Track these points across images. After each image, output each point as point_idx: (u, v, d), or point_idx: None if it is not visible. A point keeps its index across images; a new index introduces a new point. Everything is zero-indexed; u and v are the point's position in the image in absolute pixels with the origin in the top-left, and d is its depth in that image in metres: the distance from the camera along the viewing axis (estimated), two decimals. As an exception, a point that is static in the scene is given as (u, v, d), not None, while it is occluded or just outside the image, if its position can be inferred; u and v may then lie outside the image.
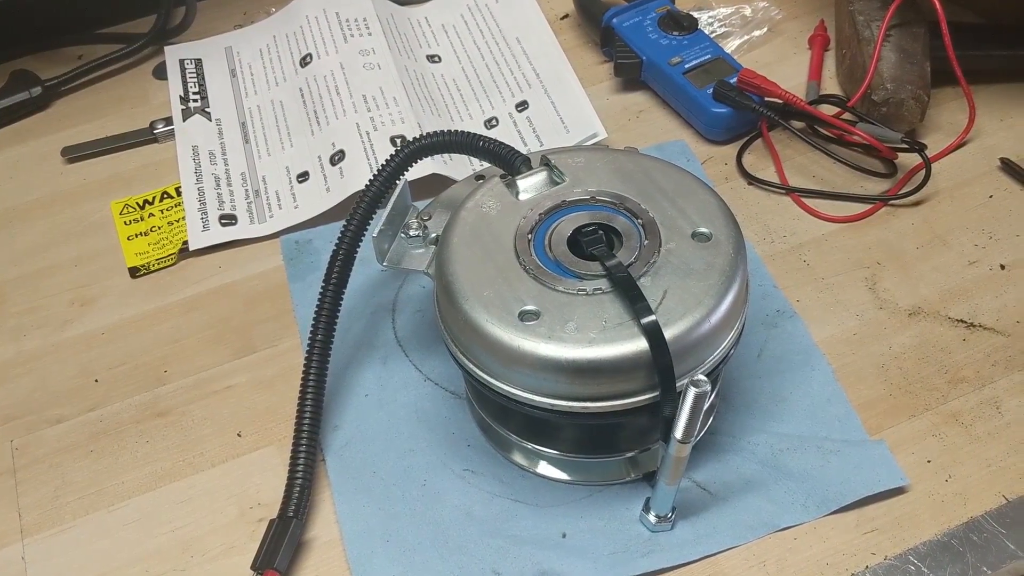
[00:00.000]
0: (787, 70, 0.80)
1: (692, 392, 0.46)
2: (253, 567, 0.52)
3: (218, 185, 0.73)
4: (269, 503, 0.56)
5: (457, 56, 0.82)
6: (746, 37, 0.82)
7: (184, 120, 0.78)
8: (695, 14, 0.81)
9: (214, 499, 0.56)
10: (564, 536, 0.53)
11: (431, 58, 0.82)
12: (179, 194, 0.73)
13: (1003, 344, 0.61)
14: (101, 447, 0.59)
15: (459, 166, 0.71)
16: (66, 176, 0.76)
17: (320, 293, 0.57)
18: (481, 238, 0.53)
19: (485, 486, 0.56)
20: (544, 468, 0.56)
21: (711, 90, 0.74)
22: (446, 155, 0.69)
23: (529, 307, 0.49)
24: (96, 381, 0.62)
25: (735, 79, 0.74)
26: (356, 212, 0.57)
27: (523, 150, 0.70)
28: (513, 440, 0.56)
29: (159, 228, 0.71)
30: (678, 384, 0.48)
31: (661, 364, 0.47)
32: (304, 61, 0.79)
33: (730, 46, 0.81)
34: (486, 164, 0.60)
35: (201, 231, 0.70)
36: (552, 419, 0.51)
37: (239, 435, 0.59)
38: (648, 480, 0.55)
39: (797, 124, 0.73)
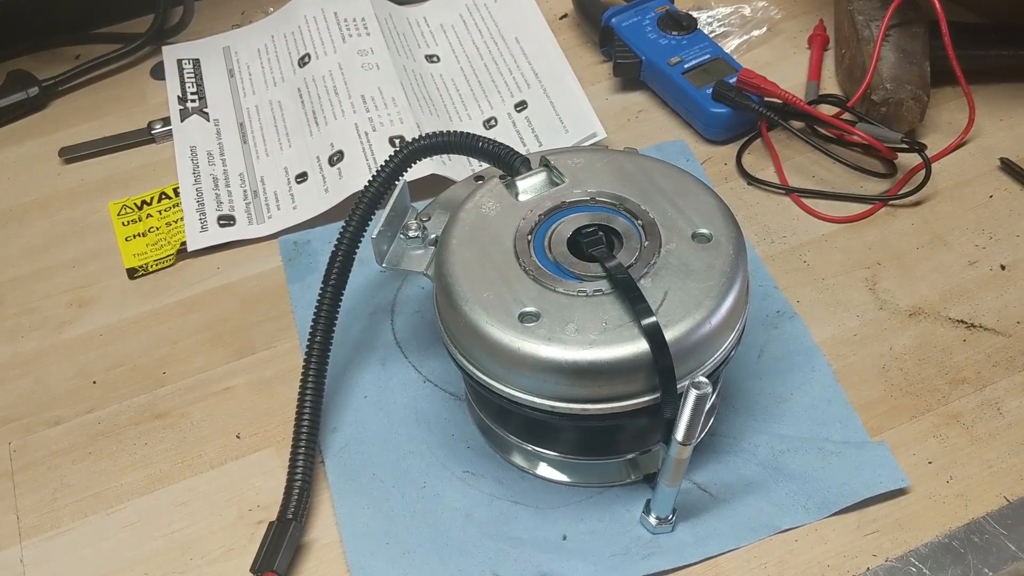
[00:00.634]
0: (786, 70, 0.80)
1: (693, 394, 0.46)
2: (252, 570, 0.51)
3: (216, 186, 0.73)
4: (268, 505, 0.55)
5: (456, 56, 0.82)
6: (745, 37, 0.82)
7: (182, 120, 0.77)
8: (694, 14, 0.81)
9: (213, 501, 0.56)
10: (564, 538, 0.53)
11: (430, 58, 0.82)
12: (177, 195, 0.72)
13: (1003, 345, 0.61)
14: (99, 449, 0.59)
15: (458, 167, 0.70)
16: (63, 177, 0.76)
17: (319, 294, 0.57)
18: (480, 239, 0.53)
19: (485, 488, 0.56)
20: (544, 470, 0.56)
21: (710, 90, 0.74)
22: (445, 156, 0.69)
23: (529, 309, 0.49)
24: (94, 383, 0.62)
25: (734, 79, 0.74)
26: (355, 213, 0.57)
27: (522, 150, 0.70)
28: (513, 442, 0.56)
29: (157, 229, 0.71)
30: (679, 386, 0.48)
31: (662, 366, 0.47)
32: (302, 61, 0.79)
33: (729, 46, 0.81)
34: (485, 165, 0.60)
35: (199, 232, 0.69)
36: (552, 421, 0.51)
37: (238, 437, 0.59)
38: (648, 482, 0.55)
39: (796, 124, 0.73)
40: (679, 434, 0.47)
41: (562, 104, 0.76)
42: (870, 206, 0.69)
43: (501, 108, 0.77)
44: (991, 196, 0.70)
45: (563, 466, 0.56)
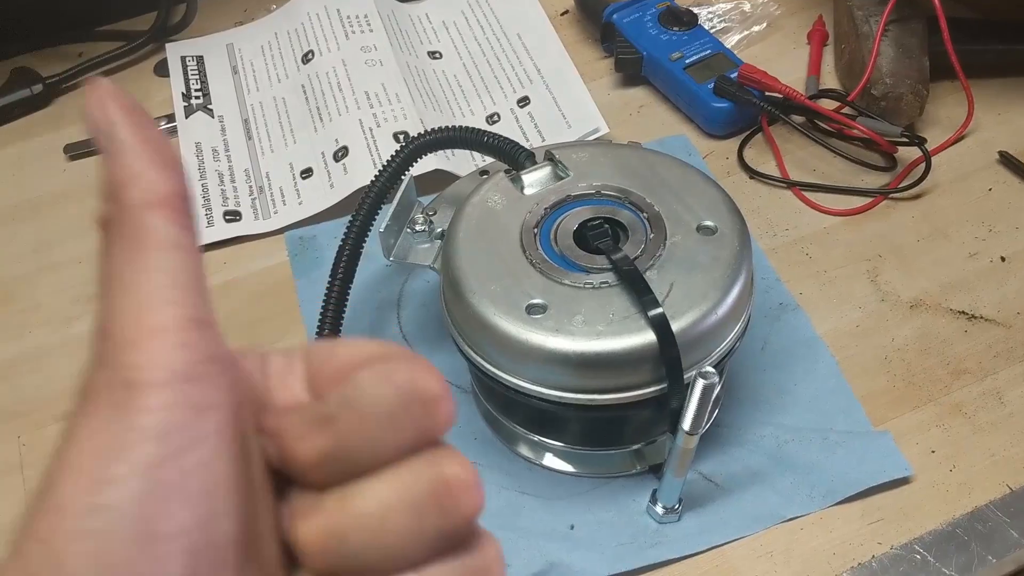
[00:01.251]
0: (786, 65, 0.80)
1: (700, 384, 0.46)
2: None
3: (222, 182, 0.73)
4: (277, 498, 0.56)
5: (458, 52, 0.82)
6: (745, 32, 0.83)
7: (187, 117, 0.78)
8: (695, 10, 0.81)
9: (223, 494, 0.56)
10: (572, 528, 0.54)
11: (432, 54, 0.82)
12: (182, 191, 0.73)
13: (1004, 336, 0.62)
14: (109, 443, 0.59)
15: (462, 161, 0.71)
16: (69, 173, 0.76)
17: (327, 289, 0.57)
18: (487, 233, 0.53)
19: (492, 479, 0.56)
20: (551, 460, 0.57)
21: (712, 85, 0.74)
22: (449, 151, 0.70)
23: (536, 301, 0.50)
24: (102, 378, 0.62)
25: (736, 74, 0.74)
26: (362, 208, 0.57)
27: (525, 145, 0.70)
28: (520, 433, 0.57)
29: (163, 225, 0.71)
30: (685, 376, 0.48)
31: (668, 356, 0.48)
32: (306, 58, 0.80)
33: (730, 41, 0.82)
34: (489, 159, 0.60)
35: (205, 227, 0.70)
36: (559, 412, 0.51)
37: (246, 430, 0.59)
38: (655, 472, 0.55)
39: (797, 118, 0.74)
40: (686, 424, 0.48)
41: (564, 99, 0.76)
42: (871, 199, 0.70)
43: (504, 104, 0.77)
44: (990, 189, 0.71)
45: (570, 457, 0.56)
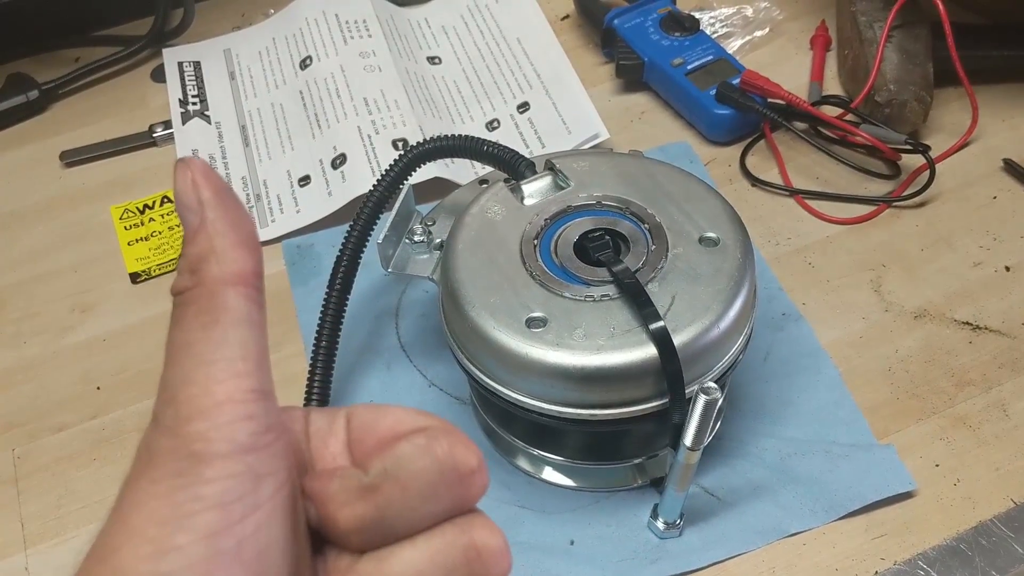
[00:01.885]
0: (789, 71, 0.79)
1: (702, 399, 0.46)
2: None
3: (219, 189, 0.72)
4: (274, 511, 0.55)
5: (458, 57, 0.82)
6: (748, 38, 0.82)
7: (183, 123, 0.77)
8: (696, 15, 0.81)
9: (219, 507, 0.56)
10: (572, 543, 0.53)
11: (431, 60, 0.81)
12: (179, 198, 0.72)
13: (1009, 346, 0.61)
14: (104, 455, 0.59)
15: (461, 170, 0.70)
16: (65, 180, 0.75)
17: (324, 299, 0.57)
18: (486, 244, 0.53)
19: (491, 492, 0.54)
20: (550, 474, 0.56)
21: (714, 91, 0.73)
22: (448, 159, 0.69)
23: (536, 314, 0.49)
24: (98, 388, 0.62)
25: (738, 80, 0.73)
26: (360, 217, 0.56)
27: (525, 152, 0.70)
28: (519, 446, 0.56)
29: (160, 233, 0.70)
30: (688, 391, 0.48)
31: (670, 371, 0.47)
32: (304, 63, 0.79)
33: (732, 47, 0.81)
34: (489, 168, 0.59)
35: (202, 236, 0.69)
36: (559, 426, 0.51)
37: (243, 442, 0.59)
38: (656, 486, 0.55)
39: (800, 125, 0.73)
40: (688, 439, 0.47)
41: (565, 106, 0.76)
42: (874, 207, 0.69)
43: (504, 110, 0.77)
44: (995, 197, 0.70)
45: (569, 471, 0.56)
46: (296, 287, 0.66)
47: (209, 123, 0.77)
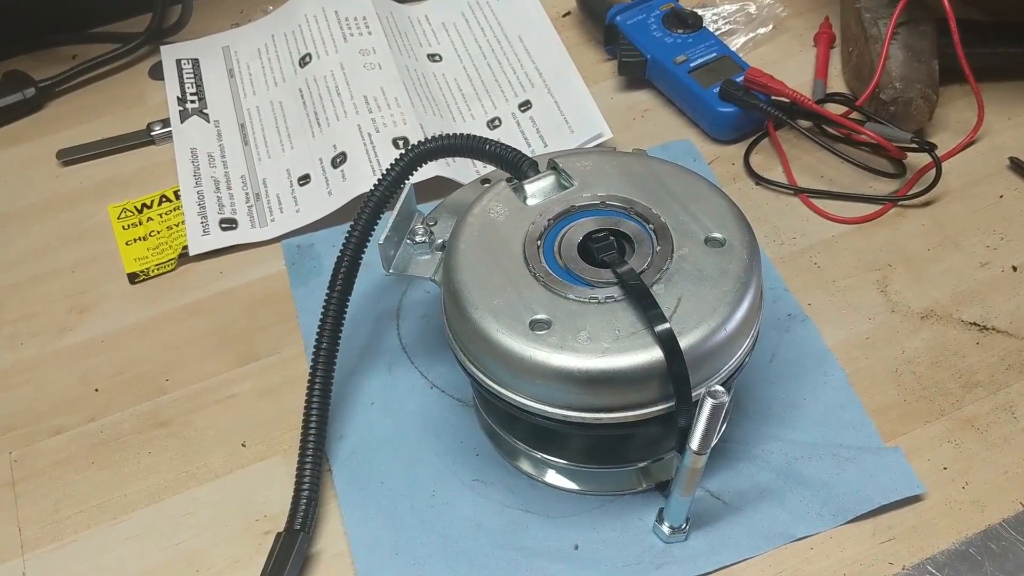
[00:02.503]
0: (792, 68, 0.79)
1: (709, 403, 0.45)
2: (260, 582, 0.51)
3: (218, 188, 0.72)
4: (275, 515, 0.55)
5: (458, 55, 0.81)
6: (751, 34, 0.81)
7: (182, 122, 0.76)
8: (699, 11, 0.80)
9: (219, 512, 0.55)
10: (576, 548, 0.52)
11: (432, 57, 0.81)
12: (178, 197, 0.71)
13: (1017, 347, 0.60)
14: (102, 458, 0.58)
15: (462, 168, 0.70)
16: (62, 179, 0.75)
17: (325, 300, 0.56)
18: (489, 244, 0.52)
19: (495, 496, 0.55)
20: (554, 478, 0.55)
21: (717, 89, 0.73)
22: (449, 157, 0.68)
23: (540, 316, 0.48)
24: (96, 390, 0.61)
25: (741, 78, 0.73)
26: (360, 217, 0.56)
27: (527, 151, 0.69)
28: (521, 449, 0.55)
29: (158, 232, 0.70)
30: (694, 394, 0.47)
31: (676, 374, 0.46)
32: (303, 61, 0.78)
33: (735, 44, 0.80)
34: (491, 167, 0.59)
35: (201, 235, 0.68)
36: (563, 429, 0.50)
37: (243, 445, 0.58)
38: (661, 490, 0.54)
39: (804, 123, 0.72)
40: (694, 443, 0.46)
41: (567, 103, 0.75)
42: (880, 206, 0.68)
43: (505, 108, 0.76)
44: (1001, 196, 0.69)
45: (573, 474, 0.55)
46: (296, 287, 0.65)
47: (208, 121, 0.77)
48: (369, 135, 0.71)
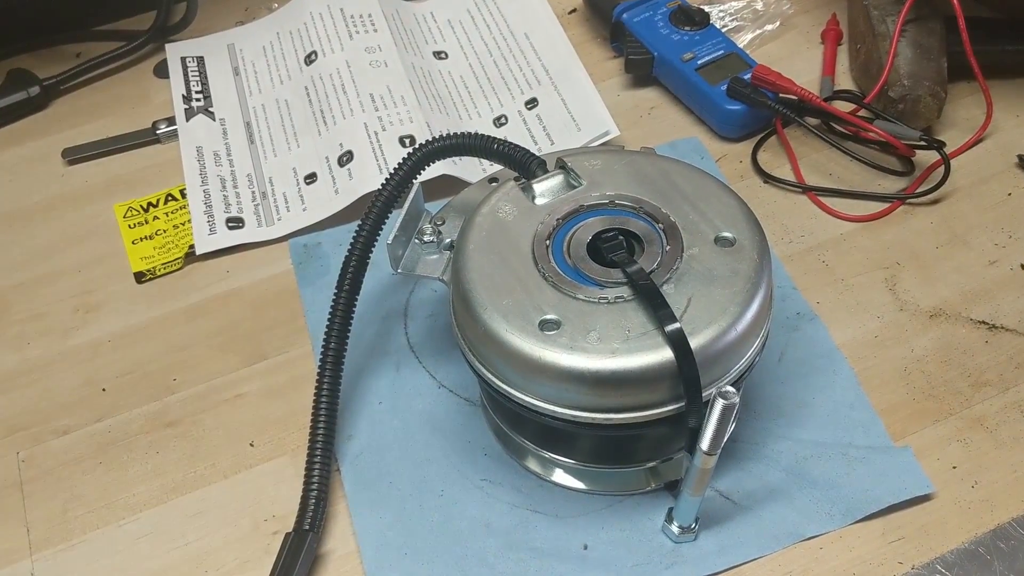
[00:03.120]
0: (800, 65, 0.78)
1: (720, 404, 0.45)
2: (269, 583, 0.51)
3: (224, 187, 0.71)
4: (284, 515, 0.55)
5: (464, 52, 0.81)
6: (758, 31, 0.81)
7: (187, 120, 0.76)
8: (706, 8, 0.80)
9: (227, 512, 0.55)
10: (585, 548, 0.52)
11: (438, 55, 0.80)
12: (184, 196, 0.71)
13: (1026, 346, 0.60)
14: (110, 459, 0.58)
15: (469, 167, 0.69)
16: (67, 178, 0.75)
17: (333, 300, 0.56)
18: (498, 244, 0.52)
19: (503, 496, 0.55)
20: (563, 478, 0.55)
21: (725, 86, 0.73)
22: (457, 156, 0.68)
23: (549, 316, 0.48)
24: (103, 390, 0.61)
25: (749, 75, 0.72)
26: (368, 217, 0.56)
27: (534, 149, 0.69)
28: (530, 448, 0.55)
29: (164, 231, 0.69)
30: (704, 394, 0.47)
31: (687, 374, 0.46)
32: (309, 59, 0.78)
33: (742, 40, 0.80)
34: (498, 166, 0.58)
35: (208, 234, 0.68)
36: (572, 430, 0.50)
37: (251, 445, 0.58)
38: (670, 489, 0.54)
39: (812, 121, 0.72)
40: (704, 444, 0.46)
41: (574, 101, 0.75)
42: (888, 204, 0.68)
43: (511, 105, 0.76)
44: (1009, 194, 0.69)
45: (582, 474, 0.55)
46: (304, 287, 0.65)
47: (213, 120, 0.76)
48: (376, 133, 0.70)
